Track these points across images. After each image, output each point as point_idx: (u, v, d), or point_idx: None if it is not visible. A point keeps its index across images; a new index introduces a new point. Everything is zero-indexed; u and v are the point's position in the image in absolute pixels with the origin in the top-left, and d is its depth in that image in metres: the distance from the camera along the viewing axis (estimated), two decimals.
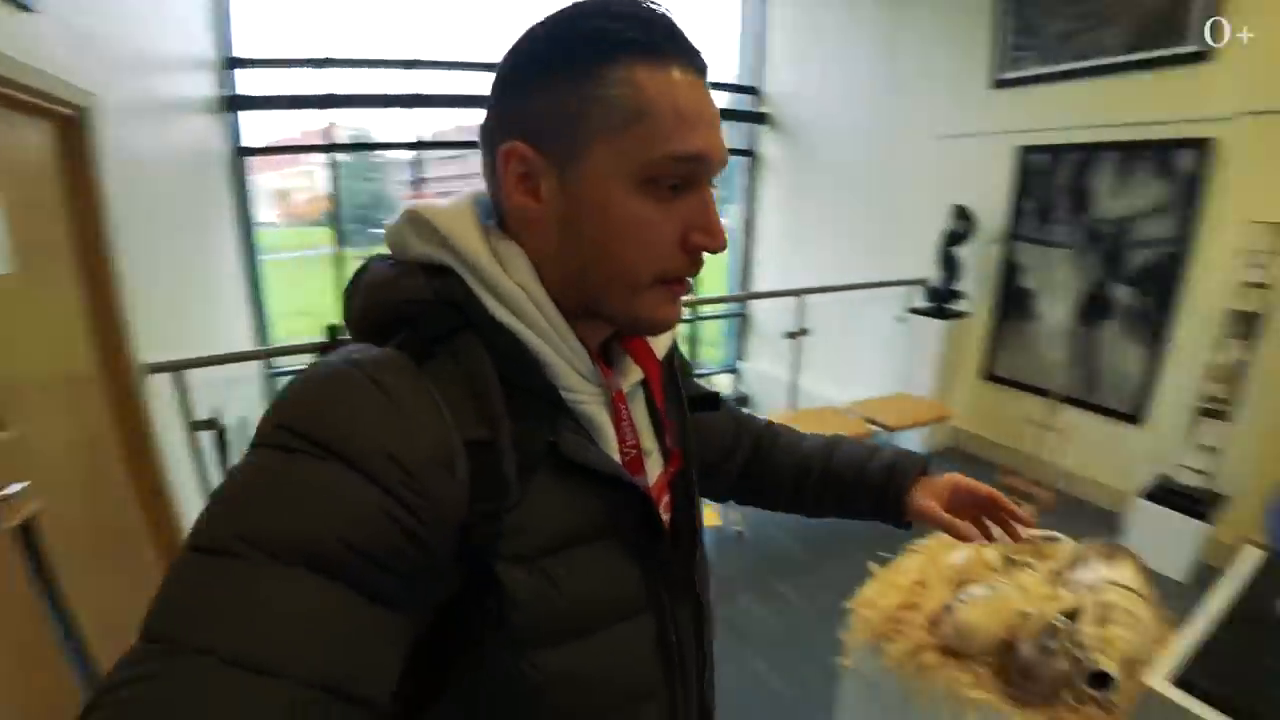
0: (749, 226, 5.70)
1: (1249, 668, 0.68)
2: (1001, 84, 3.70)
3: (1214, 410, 2.74)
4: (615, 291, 0.51)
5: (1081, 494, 3.51)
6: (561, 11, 0.49)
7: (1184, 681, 0.67)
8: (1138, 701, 0.69)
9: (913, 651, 1.40)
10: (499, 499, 0.46)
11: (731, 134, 5.57)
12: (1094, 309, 3.48)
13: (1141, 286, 3.27)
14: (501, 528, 0.47)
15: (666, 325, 0.55)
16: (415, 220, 0.52)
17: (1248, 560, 0.88)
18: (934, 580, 1.56)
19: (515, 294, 0.50)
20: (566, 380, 0.52)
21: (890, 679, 1.43)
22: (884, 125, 4.43)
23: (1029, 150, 3.62)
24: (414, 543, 0.42)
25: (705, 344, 6.05)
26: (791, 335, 3.93)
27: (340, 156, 4.59)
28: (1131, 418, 3.33)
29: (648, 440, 0.61)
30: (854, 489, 0.81)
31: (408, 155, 4.98)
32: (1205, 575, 2.61)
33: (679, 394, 0.67)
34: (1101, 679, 1.20)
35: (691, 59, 0.49)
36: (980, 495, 0.78)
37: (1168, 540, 2.70)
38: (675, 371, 0.67)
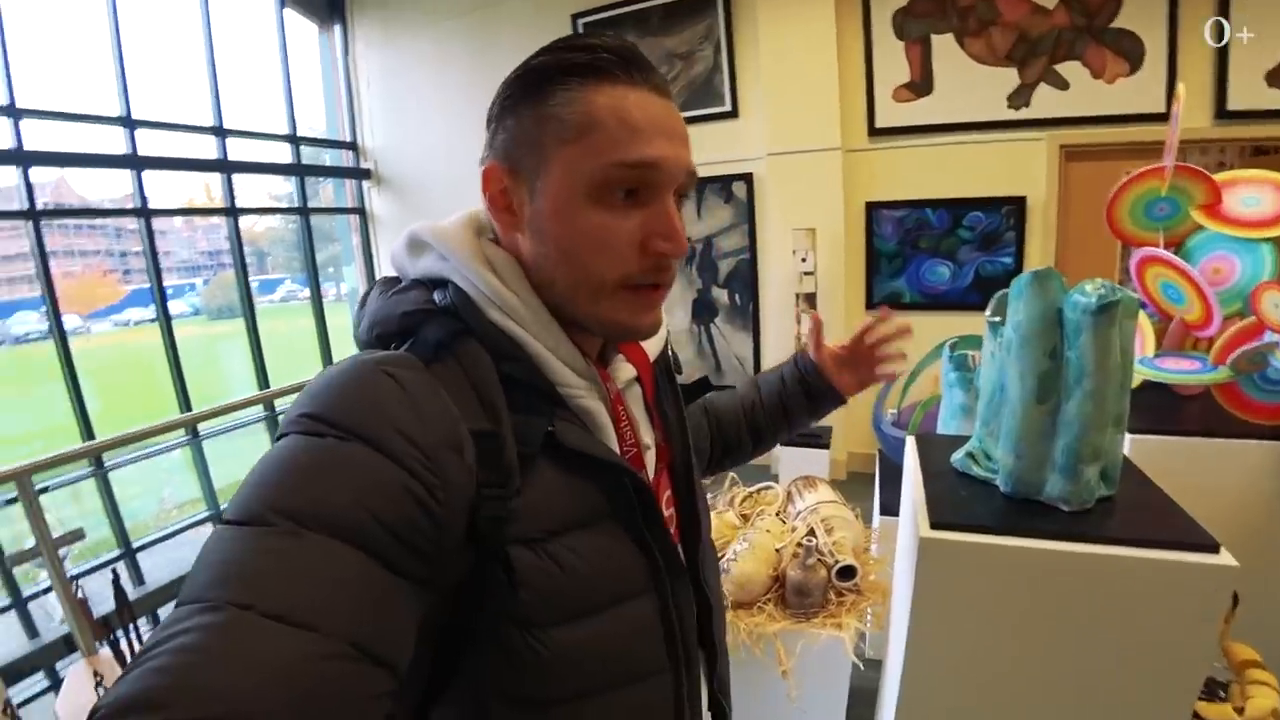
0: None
1: (957, 498, 0.99)
2: None
3: None
4: (582, 295, 0.55)
5: None
6: (534, 53, 0.55)
7: (936, 524, 0.92)
8: (918, 551, 0.92)
9: None
10: (503, 485, 0.49)
11: (336, 193, 5.26)
12: (703, 310, 4.30)
13: (731, 287, 4.17)
14: (507, 512, 0.49)
15: (640, 331, 0.58)
16: (414, 240, 0.59)
17: (911, 449, 1.27)
18: None
19: (509, 298, 0.54)
20: (562, 376, 0.55)
21: None
22: None
23: None
24: (430, 518, 0.44)
25: None
26: None
27: None
28: None
29: (645, 435, 0.64)
30: (788, 398, 0.96)
31: None
32: (837, 484, 3.46)
33: (674, 391, 0.70)
34: (848, 571, 1.53)
35: (646, 78, 0.53)
36: (852, 346, 0.97)
37: (807, 468, 3.48)
38: (670, 370, 0.71)
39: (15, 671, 2.78)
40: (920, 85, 3.54)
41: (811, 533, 1.62)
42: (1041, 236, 3.45)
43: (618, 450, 0.59)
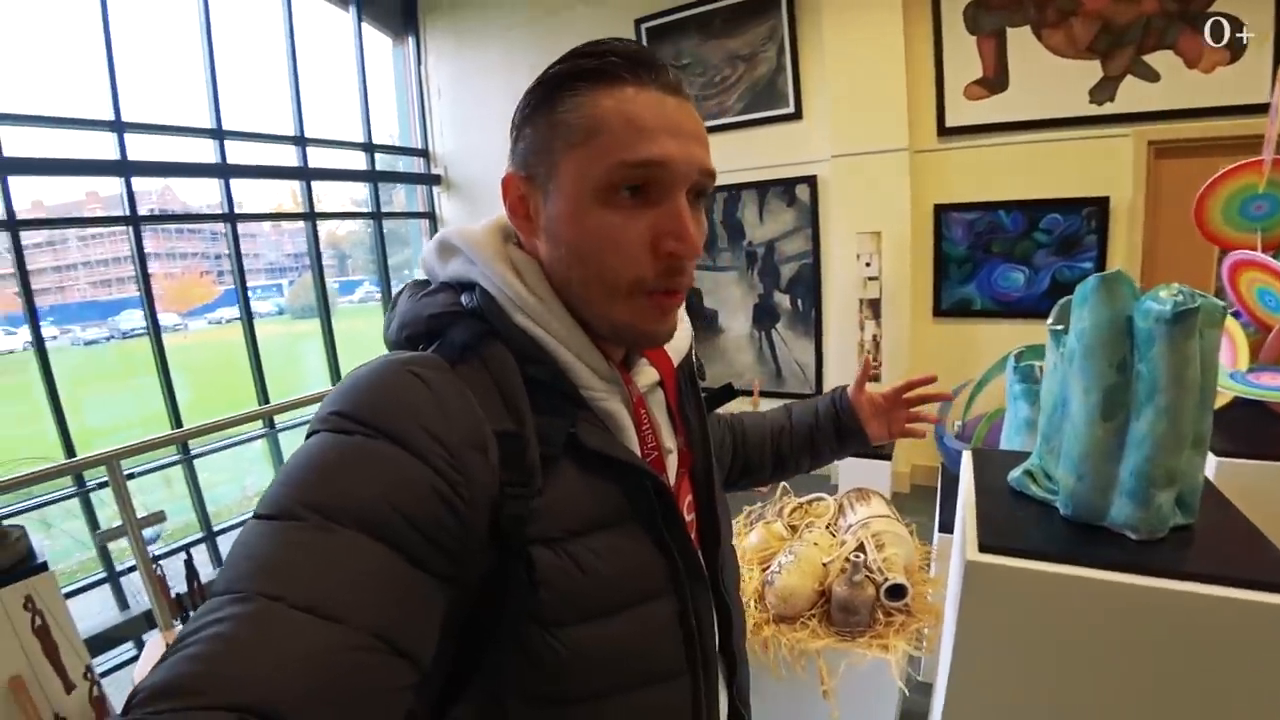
0: None
1: (1011, 520, 0.92)
2: None
3: (870, 376, 3.52)
4: (596, 296, 0.55)
5: None
6: (552, 62, 0.55)
7: (985, 547, 0.86)
8: (964, 575, 0.86)
9: (752, 631, 1.52)
10: (525, 484, 0.50)
11: (408, 198, 5.46)
12: (764, 316, 4.22)
13: (794, 292, 4.07)
14: (528, 511, 0.49)
15: (654, 338, 0.58)
16: (443, 244, 0.60)
17: (967, 463, 1.19)
18: (740, 565, 1.71)
19: (532, 301, 0.55)
20: (584, 379, 0.56)
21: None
22: None
23: None
24: (454, 516, 0.45)
25: None
26: None
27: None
28: (813, 396, 4.09)
29: (667, 439, 0.64)
30: (817, 431, 0.99)
31: None
32: (900, 497, 3.32)
33: (697, 397, 0.70)
34: (897, 590, 1.46)
35: (655, 77, 0.53)
36: (892, 397, 1.00)
37: (868, 479, 3.35)
38: (694, 376, 0.71)
39: (106, 640, 3.00)
40: (994, 81, 3.36)
41: (861, 548, 1.55)
42: (1126, 240, 3.22)
43: (639, 453, 0.59)
